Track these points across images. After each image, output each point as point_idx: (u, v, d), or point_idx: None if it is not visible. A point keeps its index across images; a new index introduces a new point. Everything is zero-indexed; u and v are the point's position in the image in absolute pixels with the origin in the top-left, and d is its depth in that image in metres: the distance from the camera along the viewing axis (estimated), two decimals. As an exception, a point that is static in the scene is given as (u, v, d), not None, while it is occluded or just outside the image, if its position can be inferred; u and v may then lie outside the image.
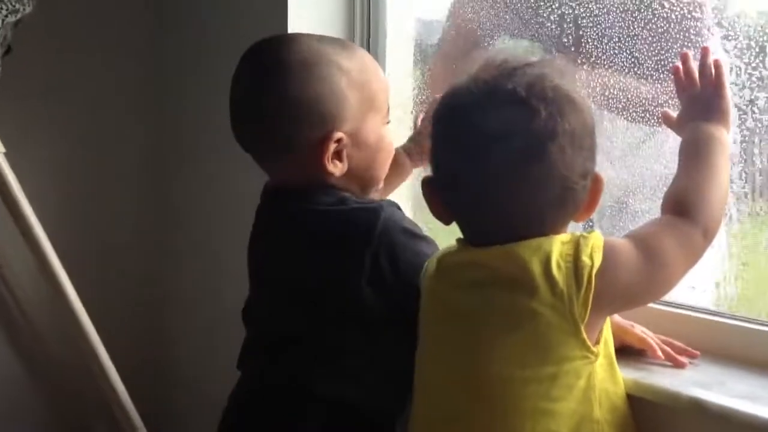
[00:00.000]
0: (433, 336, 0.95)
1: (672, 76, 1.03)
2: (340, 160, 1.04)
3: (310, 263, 1.04)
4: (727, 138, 0.96)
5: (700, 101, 0.99)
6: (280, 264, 1.08)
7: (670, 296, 1.13)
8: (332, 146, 1.02)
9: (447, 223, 0.96)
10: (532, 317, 0.85)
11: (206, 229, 1.85)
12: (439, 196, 0.94)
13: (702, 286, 1.12)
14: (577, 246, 0.86)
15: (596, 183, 0.90)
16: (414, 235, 1.02)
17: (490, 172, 0.87)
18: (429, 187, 0.95)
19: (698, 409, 0.88)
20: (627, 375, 0.93)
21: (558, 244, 0.86)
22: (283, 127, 1.03)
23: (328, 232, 1.03)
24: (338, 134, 1.03)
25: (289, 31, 1.50)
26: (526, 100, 0.86)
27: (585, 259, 0.85)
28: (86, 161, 1.88)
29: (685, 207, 0.91)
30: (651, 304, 1.10)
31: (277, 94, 1.03)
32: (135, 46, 1.90)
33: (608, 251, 0.86)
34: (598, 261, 0.85)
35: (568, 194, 0.87)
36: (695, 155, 0.95)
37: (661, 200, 0.96)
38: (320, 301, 1.03)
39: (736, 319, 1.03)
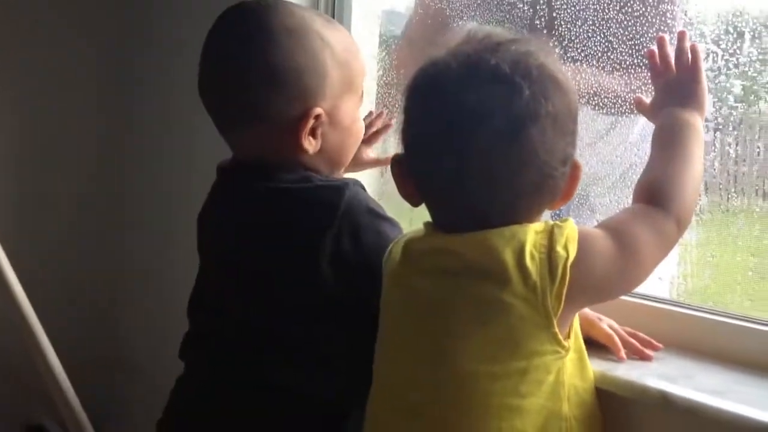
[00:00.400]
0: (395, 325, 0.91)
1: (647, 61, 1.00)
2: (315, 137, 1.00)
3: (268, 244, 0.98)
4: (702, 125, 0.94)
5: (675, 87, 0.96)
6: (236, 246, 1.02)
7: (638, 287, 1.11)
8: (311, 122, 0.98)
9: (416, 204, 0.91)
10: (503, 309, 0.81)
11: (158, 222, 1.80)
12: (410, 176, 0.89)
13: (670, 278, 1.10)
14: (551, 236, 0.82)
15: (575, 170, 0.86)
16: (378, 215, 0.98)
17: (467, 153, 0.82)
18: (399, 166, 0.90)
19: (665, 403, 0.86)
20: (593, 367, 0.90)
21: (532, 234, 0.82)
22: (263, 95, 0.97)
23: (288, 210, 0.98)
24: (318, 110, 0.98)
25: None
26: (510, 78, 0.81)
27: (560, 250, 0.81)
28: (35, 154, 1.82)
29: (658, 196, 0.88)
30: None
31: (262, 61, 0.97)
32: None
33: (583, 241, 0.83)
34: (573, 252, 0.81)
35: (547, 181, 0.83)
36: (669, 143, 0.92)
37: (634, 188, 0.93)
38: (278, 285, 0.98)
39: (703, 312, 1.00)
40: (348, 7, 1.53)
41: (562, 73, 0.85)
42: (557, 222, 0.84)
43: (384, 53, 1.56)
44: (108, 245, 1.91)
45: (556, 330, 0.81)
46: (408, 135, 0.89)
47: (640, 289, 1.09)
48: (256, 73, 0.97)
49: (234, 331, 1.02)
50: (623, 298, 1.08)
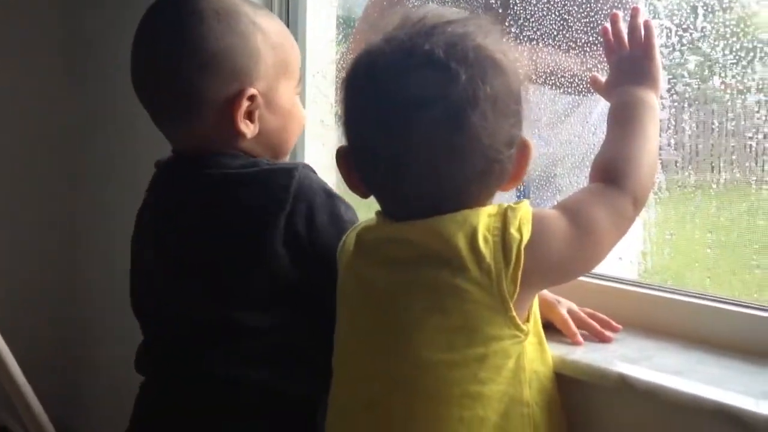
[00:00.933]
0: (352, 317, 0.89)
1: (601, 39, 0.98)
2: (252, 120, 0.98)
3: (217, 233, 0.96)
4: (657, 102, 0.92)
5: (628, 64, 0.94)
6: (182, 238, 1.00)
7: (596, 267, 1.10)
8: (245, 103, 0.96)
9: (364, 196, 0.89)
10: (458, 295, 0.80)
11: (112, 216, 1.77)
12: (354, 169, 0.87)
13: (629, 257, 1.09)
14: (504, 218, 0.80)
15: (523, 150, 0.84)
16: (331, 195, 0.97)
17: (407, 143, 0.80)
18: (344, 159, 0.88)
19: (625, 386, 0.85)
20: (552, 352, 0.89)
21: (485, 217, 0.81)
22: (195, 80, 0.96)
23: (237, 196, 0.95)
24: (252, 90, 0.97)
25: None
26: (445, 63, 0.79)
27: (513, 232, 0.79)
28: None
29: (614, 174, 0.87)
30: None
31: (192, 46, 0.95)
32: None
33: (537, 223, 0.81)
34: (527, 234, 0.80)
35: (493, 165, 0.81)
36: (624, 121, 0.91)
37: (590, 167, 0.91)
38: (229, 274, 0.95)
39: (663, 291, 0.99)
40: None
41: (501, 52, 0.82)
42: (511, 204, 0.82)
43: (341, 36, 1.53)
44: (65, 240, 1.88)
45: (514, 314, 0.80)
46: (347, 127, 0.87)
47: (600, 269, 1.09)
48: (187, 59, 0.95)
49: (184, 327, 0.99)
50: (583, 279, 1.07)
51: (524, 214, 0.81)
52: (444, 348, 0.80)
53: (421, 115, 0.79)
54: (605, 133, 0.93)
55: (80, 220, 1.90)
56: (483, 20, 0.85)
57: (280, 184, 0.93)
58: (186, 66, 0.96)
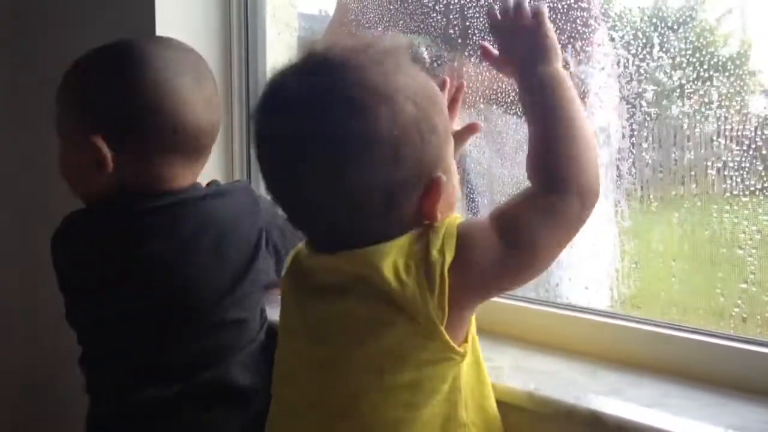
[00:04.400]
0: (287, 349, 0.88)
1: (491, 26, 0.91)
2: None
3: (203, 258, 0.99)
4: (565, 73, 0.84)
5: (522, 41, 0.86)
6: (167, 267, 0.99)
7: (564, 297, 1.10)
8: None
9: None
10: (388, 324, 0.77)
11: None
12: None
13: (595, 285, 1.09)
14: (427, 241, 0.77)
15: (431, 187, 0.78)
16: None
17: (288, 191, 0.81)
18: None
19: (597, 421, 0.84)
20: (519, 388, 0.88)
21: (407, 244, 0.78)
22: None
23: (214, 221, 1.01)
24: None
25: (157, 23, 1.39)
26: (302, 106, 0.76)
27: (435, 254, 0.76)
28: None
29: (550, 176, 0.79)
30: (543, 306, 1.07)
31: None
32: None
33: (463, 239, 0.77)
34: (450, 254, 0.76)
35: (365, 209, 0.77)
36: (540, 108, 0.82)
37: (525, 167, 0.83)
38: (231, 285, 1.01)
39: (628, 321, 0.99)
40: (262, 22, 1.49)
41: (373, 90, 0.75)
42: (435, 224, 0.79)
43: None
44: (27, 255, 1.83)
45: (447, 338, 0.77)
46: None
47: (567, 298, 1.09)
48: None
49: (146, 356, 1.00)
50: (547, 309, 1.07)
51: (447, 232, 0.78)
52: (376, 374, 0.78)
53: (301, 167, 0.77)
54: (527, 124, 0.85)
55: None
56: (379, 48, 0.80)
57: (250, 201, 1.06)
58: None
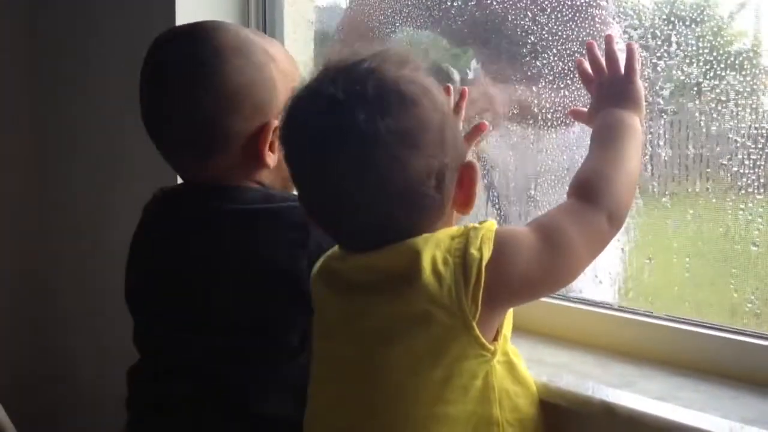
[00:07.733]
0: (322, 349, 0.89)
1: (577, 70, 0.99)
2: (273, 151, 1.00)
3: (237, 269, 0.96)
4: (639, 125, 0.91)
5: (609, 89, 0.94)
6: (197, 272, 0.99)
7: (577, 291, 1.11)
8: (270, 137, 0.98)
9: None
10: (422, 319, 0.80)
11: (87, 228, 1.75)
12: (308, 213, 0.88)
13: (608, 280, 1.10)
14: (467, 239, 0.81)
15: (467, 173, 0.84)
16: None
17: (326, 191, 0.82)
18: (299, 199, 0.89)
19: (609, 413, 0.85)
20: (536, 378, 0.89)
21: (446, 240, 0.81)
22: (220, 117, 0.97)
23: (256, 234, 0.96)
24: (276, 122, 0.98)
25: (177, 14, 1.41)
26: (344, 103, 0.79)
27: (473, 251, 0.79)
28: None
29: (589, 191, 0.86)
30: (556, 300, 1.08)
31: (214, 84, 0.96)
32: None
33: (501, 241, 0.81)
34: (487, 252, 0.79)
35: (416, 197, 0.81)
36: (604, 140, 0.90)
37: (569, 185, 0.89)
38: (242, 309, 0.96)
39: (644, 316, 1.00)
40: (279, 16, 1.51)
41: (412, 83, 0.81)
42: (475, 225, 0.82)
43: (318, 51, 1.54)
44: (39, 254, 1.86)
45: (478, 333, 0.80)
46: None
47: (580, 292, 1.10)
48: (212, 98, 0.96)
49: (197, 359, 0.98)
50: (564, 303, 1.08)
51: (486, 233, 0.81)
52: (411, 371, 0.80)
53: (330, 157, 0.80)
54: (590, 149, 0.91)
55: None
56: (398, 53, 0.84)
57: (299, 223, 0.94)
58: (210, 104, 0.96)
